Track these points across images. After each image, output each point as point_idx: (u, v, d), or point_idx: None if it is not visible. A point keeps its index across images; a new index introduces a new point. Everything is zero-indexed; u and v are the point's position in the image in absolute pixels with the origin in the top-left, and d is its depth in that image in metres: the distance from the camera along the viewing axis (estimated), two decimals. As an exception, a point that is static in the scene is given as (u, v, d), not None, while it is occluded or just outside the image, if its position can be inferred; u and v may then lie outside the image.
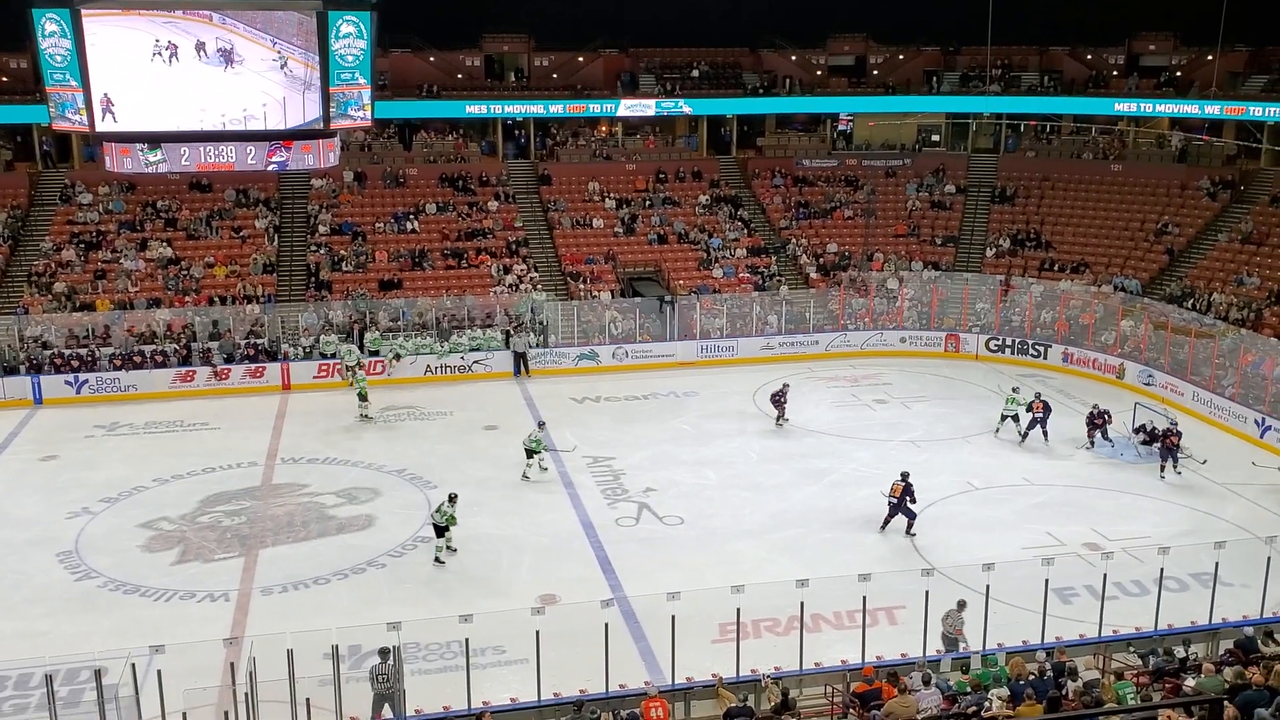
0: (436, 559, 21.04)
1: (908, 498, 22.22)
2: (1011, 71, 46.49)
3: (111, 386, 31.83)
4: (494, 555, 21.47)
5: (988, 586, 16.65)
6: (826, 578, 17.56)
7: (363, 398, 29.90)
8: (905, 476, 22.42)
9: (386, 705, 14.93)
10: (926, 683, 14.44)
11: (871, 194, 43.55)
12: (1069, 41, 47.55)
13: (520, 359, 33.87)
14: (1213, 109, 40.21)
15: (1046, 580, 16.84)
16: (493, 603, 18.96)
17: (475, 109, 43.80)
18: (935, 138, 47.82)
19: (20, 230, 37.93)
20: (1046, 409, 27.73)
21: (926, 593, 16.23)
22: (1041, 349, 34.92)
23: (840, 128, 48.04)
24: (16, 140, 42.20)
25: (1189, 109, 41.76)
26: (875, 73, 48.65)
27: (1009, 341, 35.56)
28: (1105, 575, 17.80)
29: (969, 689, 14.61)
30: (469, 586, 20.19)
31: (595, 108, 44.06)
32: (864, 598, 16.32)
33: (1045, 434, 27.63)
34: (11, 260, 36.71)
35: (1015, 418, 27.72)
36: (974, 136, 46.72)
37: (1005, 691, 14.16)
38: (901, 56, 49.14)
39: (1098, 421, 27.29)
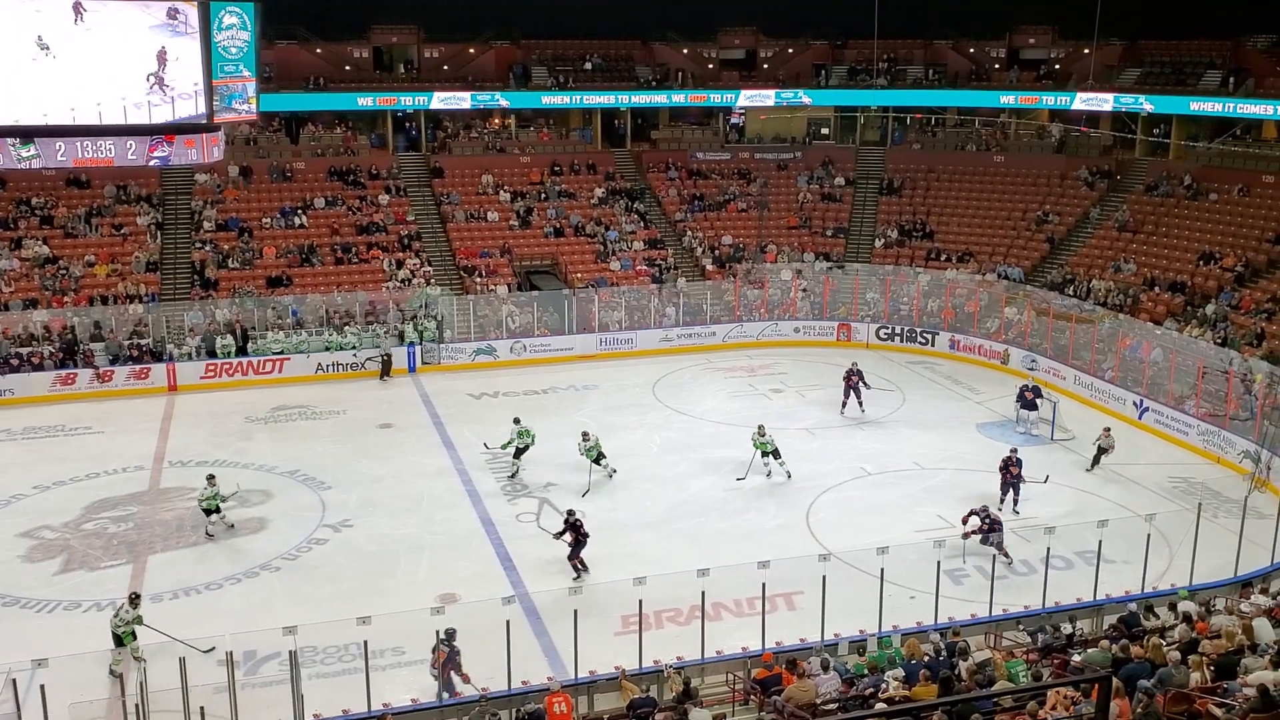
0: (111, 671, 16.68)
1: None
2: (897, 65, 47.50)
3: (-14, 391, 30.52)
4: (391, 555, 21.20)
5: (882, 570, 17.05)
6: (726, 566, 17.78)
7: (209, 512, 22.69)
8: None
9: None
10: (825, 667, 14.73)
11: (764, 186, 44.13)
12: (952, 35, 48.76)
13: (386, 361, 33.20)
14: (1104, 102, 41.52)
15: (939, 562, 17.31)
16: (391, 604, 18.71)
17: (365, 101, 43.06)
18: (825, 131, 48.60)
19: (-118, 229, 36.09)
20: (861, 377, 29.23)
21: (824, 578, 16.52)
22: (929, 336, 35.82)
23: (733, 121, 48.51)
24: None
25: (1065, 101, 43.12)
26: (765, 66, 49.20)
27: (898, 330, 36.40)
28: (994, 556, 18.37)
29: (866, 671, 14.96)
30: (366, 588, 19.86)
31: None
32: (763, 585, 16.56)
33: (861, 405, 29.18)
34: (-127, 260, 34.90)
35: (772, 453, 24.84)
36: (862, 129, 47.62)
37: (901, 673, 14.52)
38: (791, 50, 49.77)
39: (1029, 396, 28.07)
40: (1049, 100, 43.78)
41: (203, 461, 26.20)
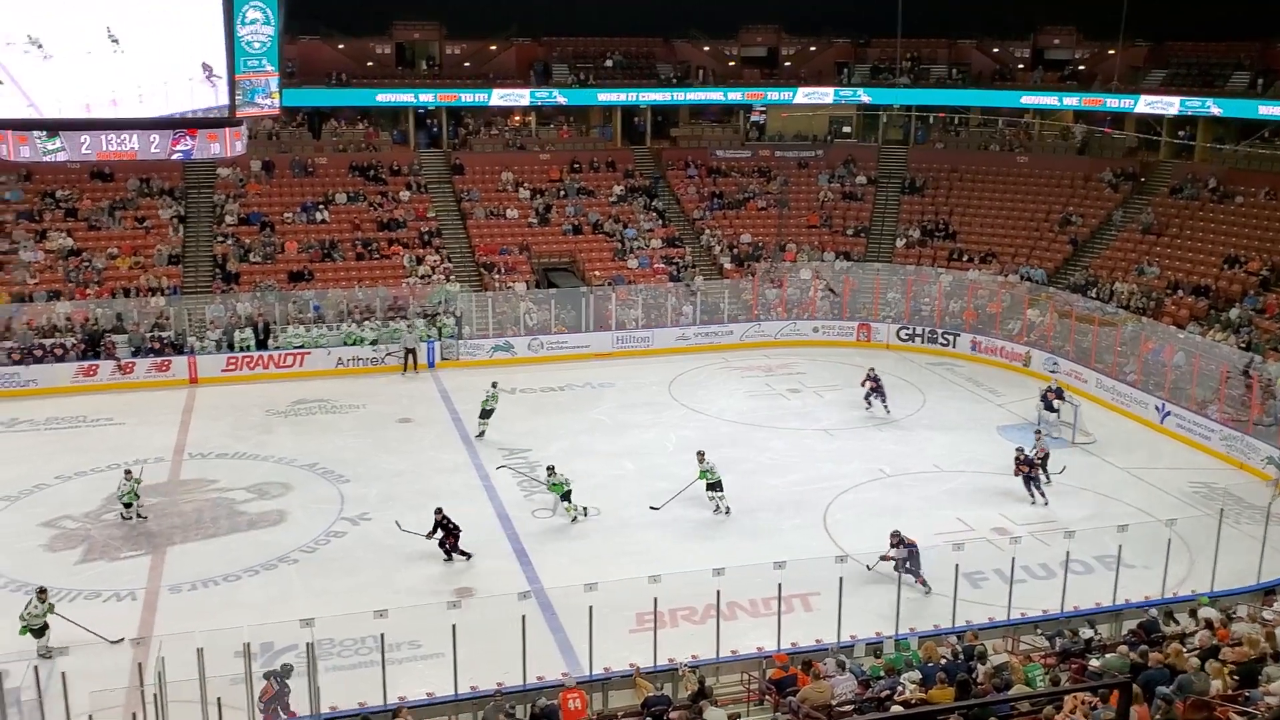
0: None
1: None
2: (921, 64, 47.30)
3: (10, 381, 30.72)
4: (408, 549, 21.23)
5: (900, 572, 16.97)
6: (742, 566, 17.75)
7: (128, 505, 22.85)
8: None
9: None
10: (841, 668, 14.69)
11: (784, 185, 44.01)
12: (976, 35, 48.52)
13: (410, 355, 33.42)
14: (1127, 103, 41.18)
15: (957, 565, 17.23)
16: (408, 598, 18.80)
17: (385, 97, 43.16)
18: (846, 129, 48.42)
19: (-92, 219, 36.42)
20: (878, 383, 29.10)
21: (840, 579, 16.47)
22: (950, 338, 35.65)
23: (754, 119, 48.43)
24: (-97, 125, 40.40)
25: (1096, 102, 42.85)
26: (787, 64, 49.10)
27: (919, 330, 36.24)
28: (1014, 559, 18.28)
29: (882, 673, 14.90)
30: (382, 581, 19.94)
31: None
32: (779, 585, 16.52)
33: (886, 407, 29.05)
34: (-101, 251, 35.23)
35: (714, 484, 23.22)
36: (884, 128, 47.43)
37: (917, 675, 14.46)
38: (813, 48, 49.64)
39: (1050, 398, 27.92)
40: (1074, 101, 43.51)
41: (223, 454, 26.36)
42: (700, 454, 23.34)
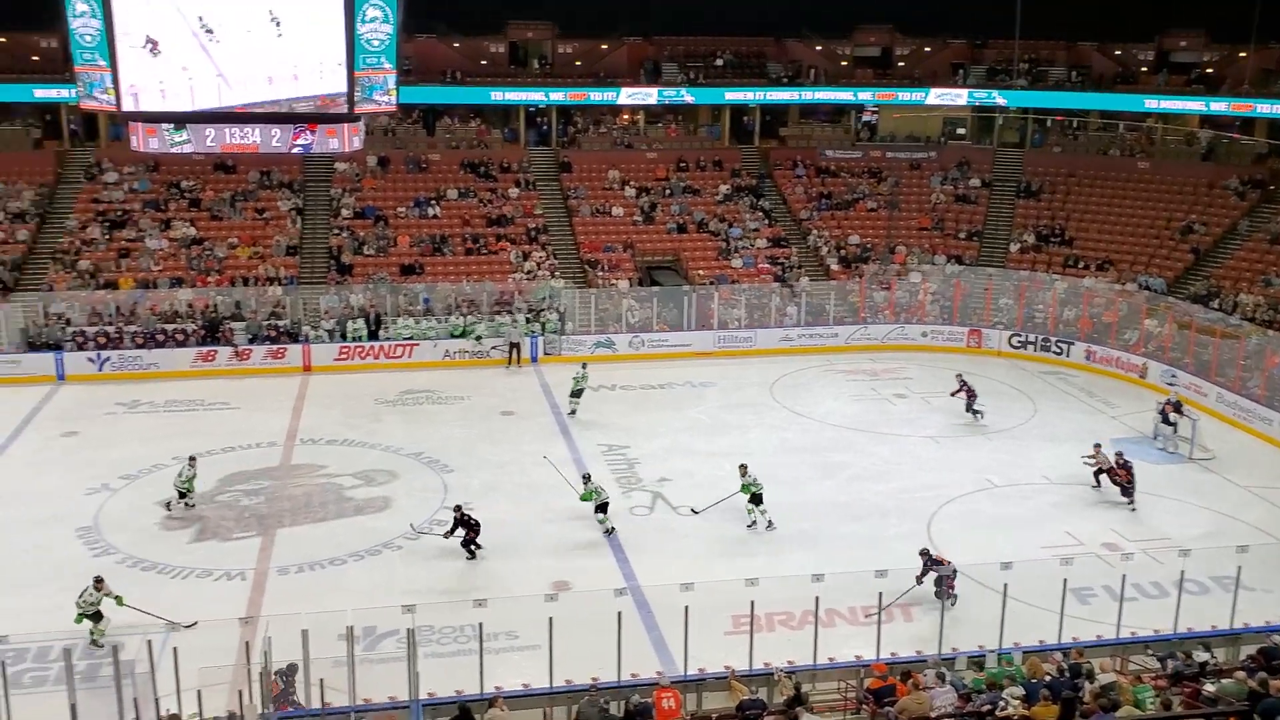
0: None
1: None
2: (1039, 66, 46.09)
3: (133, 364, 32.00)
4: (508, 540, 21.47)
5: (1005, 585, 16.54)
6: (842, 573, 17.51)
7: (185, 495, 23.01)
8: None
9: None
10: (941, 680, 14.37)
11: (895, 186, 43.34)
12: (1098, 37, 47.10)
13: (514, 349, 33.83)
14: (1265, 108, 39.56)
15: (1065, 580, 16.73)
16: (506, 588, 19.00)
17: (499, 95, 43.74)
18: (961, 131, 47.49)
19: (47, 208, 38.14)
20: (971, 390, 28.56)
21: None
22: (1064, 346, 34.67)
23: (865, 119, 47.79)
24: (45, 119, 42.36)
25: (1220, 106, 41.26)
26: (901, 64, 48.34)
27: (1031, 338, 35.32)
28: (1124, 576, 17.68)
29: (984, 687, 14.54)
30: (483, 571, 20.22)
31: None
32: (880, 594, 16.25)
33: (974, 413, 28.58)
34: (38, 238, 36.91)
35: (754, 498, 22.75)
36: (1000, 130, 46.37)
37: (1020, 691, 14.07)
38: (928, 49, 48.79)
39: (1168, 411, 27.08)
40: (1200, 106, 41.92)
41: (333, 440, 27.01)
42: (743, 467, 22.64)
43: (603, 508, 21.94)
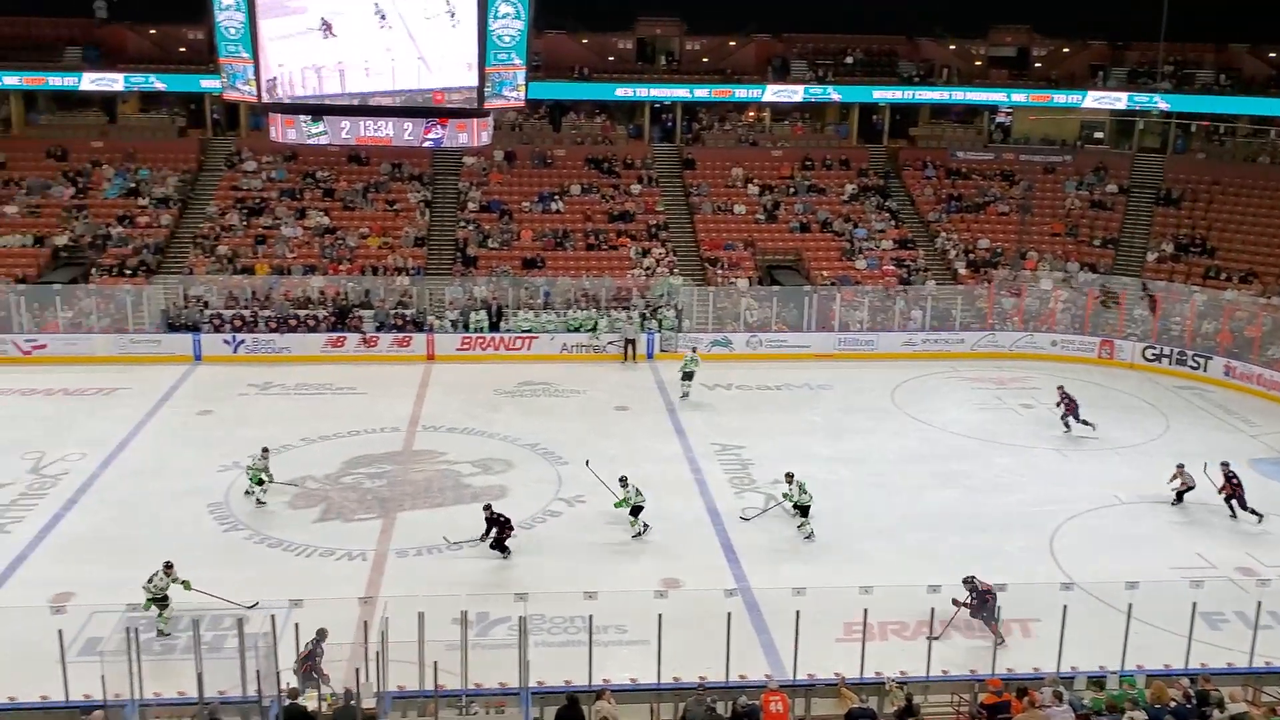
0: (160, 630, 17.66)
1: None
2: (1185, 68, 44.24)
3: (266, 348, 33.18)
4: (620, 535, 21.58)
5: (1130, 605, 15.96)
6: (960, 585, 17.10)
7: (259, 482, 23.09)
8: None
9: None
10: (1059, 699, 13.96)
11: (1028, 190, 42.15)
12: (1250, 39, 44.96)
13: (630, 345, 33.92)
14: None
15: (1194, 603, 16.05)
16: (616, 583, 19.07)
17: (626, 91, 43.92)
18: (1099, 135, 45.94)
19: (189, 194, 39.79)
20: (1071, 400, 27.85)
21: (1064, 607, 15.62)
22: (1202, 361, 33.22)
23: (999, 120, 46.60)
24: (190, 108, 44.22)
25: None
26: (1038, 65, 46.95)
27: (1167, 351, 33.95)
28: (1260, 603, 16.86)
29: (1104, 709, 14.07)
30: (593, 564, 20.37)
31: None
32: (999, 608, 15.82)
33: (1069, 424, 27.83)
34: (180, 223, 38.54)
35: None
36: (1140, 135, 44.70)
37: (1143, 716, 13.60)
38: (1066, 50, 47.29)
39: None
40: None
41: (453, 428, 27.54)
42: (789, 475, 22.16)
43: (636, 511, 21.61)
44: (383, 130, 21.39)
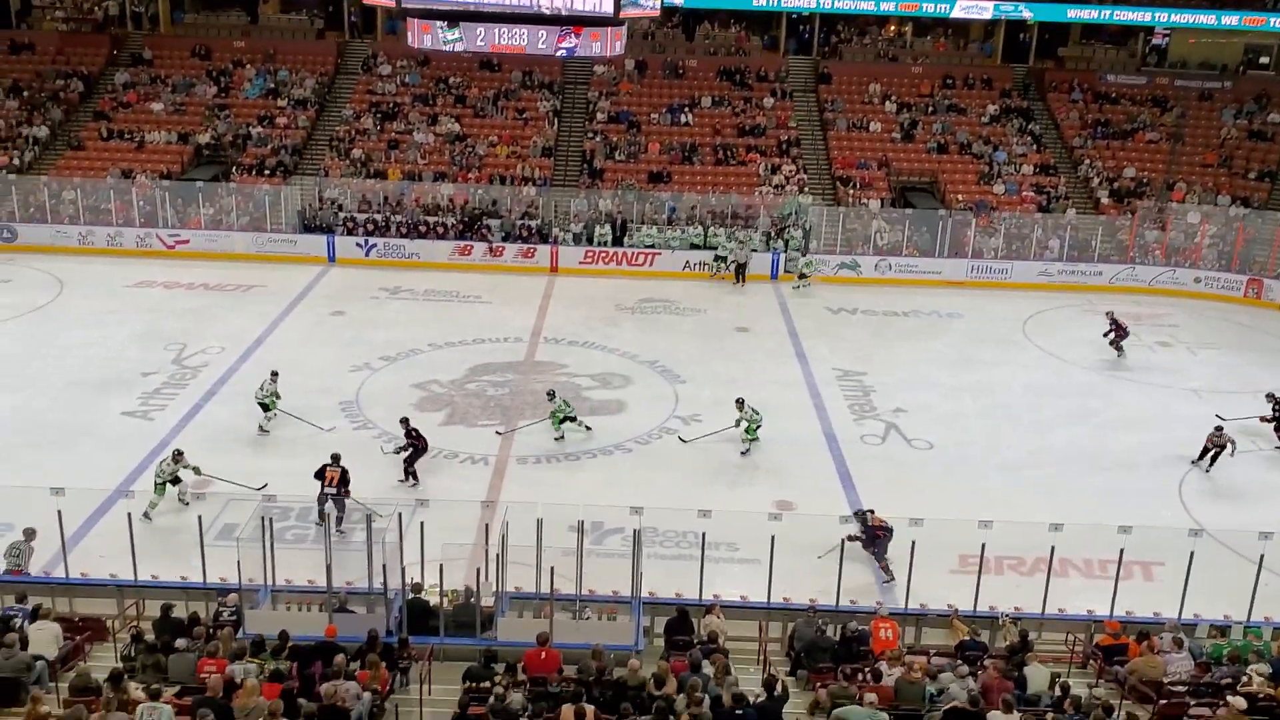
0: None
1: None
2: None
3: (397, 253, 33.92)
4: (735, 454, 21.66)
5: (1261, 556, 15.39)
6: (1082, 524, 16.74)
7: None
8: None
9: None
10: (1179, 646, 13.64)
11: (1181, 117, 40.00)
12: None
13: (741, 269, 33.44)
14: None
15: (1330, 559, 15.42)
16: (729, 501, 19.22)
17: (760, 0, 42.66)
18: (1265, 60, 43.14)
19: (326, 97, 40.54)
20: (1121, 327, 27.55)
21: (1191, 553, 15.13)
22: (1360, 304, 31.47)
23: (1155, 42, 44.09)
24: (329, 10, 44.83)
25: None
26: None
27: (1321, 292, 32.23)
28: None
29: (1226, 659, 13.70)
30: (708, 481, 20.54)
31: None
32: (1121, 550, 15.45)
33: (1121, 349, 27.52)
34: (317, 125, 39.37)
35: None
36: (1312, 60, 41.89)
37: (1267, 669, 13.20)
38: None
39: None
40: None
41: (573, 341, 27.85)
42: (740, 401, 21.85)
43: (566, 420, 22.02)
44: (517, 38, 21.40)
